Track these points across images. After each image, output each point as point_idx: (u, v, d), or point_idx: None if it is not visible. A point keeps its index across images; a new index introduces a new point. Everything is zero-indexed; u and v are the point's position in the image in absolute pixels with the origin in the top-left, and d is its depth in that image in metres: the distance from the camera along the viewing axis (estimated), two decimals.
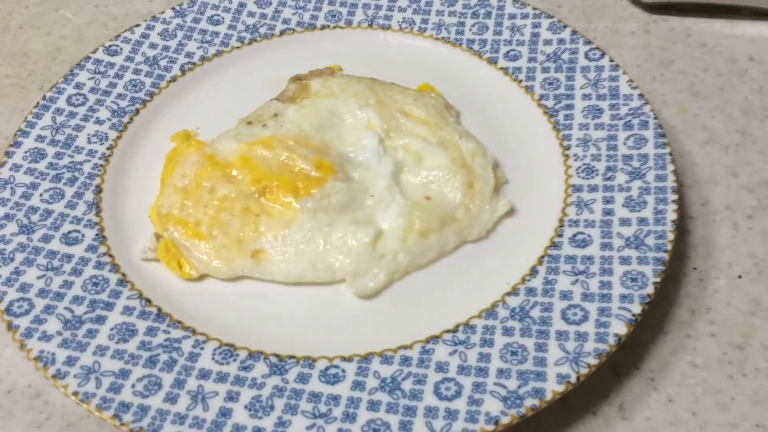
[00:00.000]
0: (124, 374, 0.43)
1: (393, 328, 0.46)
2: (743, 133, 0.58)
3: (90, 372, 0.43)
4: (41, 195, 0.52)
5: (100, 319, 0.45)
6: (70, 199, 0.52)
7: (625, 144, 0.53)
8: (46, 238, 0.50)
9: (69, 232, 0.50)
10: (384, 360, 0.43)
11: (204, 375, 0.43)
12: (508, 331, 0.44)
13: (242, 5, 0.65)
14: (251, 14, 0.64)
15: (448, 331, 0.45)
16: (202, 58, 0.62)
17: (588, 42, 0.60)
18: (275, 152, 0.53)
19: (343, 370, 0.43)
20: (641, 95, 0.56)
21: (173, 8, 0.65)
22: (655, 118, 0.54)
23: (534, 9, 0.63)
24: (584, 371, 0.41)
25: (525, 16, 0.62)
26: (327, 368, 0.43)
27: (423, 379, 0.42)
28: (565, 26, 0.61)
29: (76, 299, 0.46)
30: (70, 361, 0.43)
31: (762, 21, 0.66)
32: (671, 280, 0.49)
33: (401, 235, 0.49)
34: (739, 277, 0.50)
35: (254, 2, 0.65)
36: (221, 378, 0.43)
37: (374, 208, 0.51)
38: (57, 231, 0.50)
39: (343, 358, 0.44)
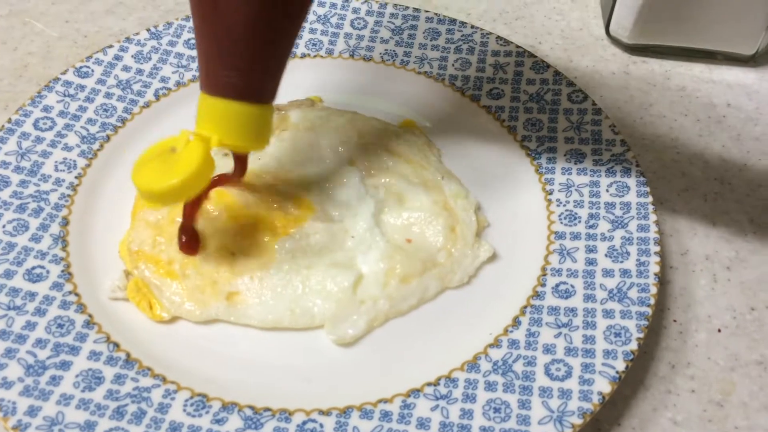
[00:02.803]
0: (90, 426, 0.40)
1: (373, 377, 0.45)
2: (721, 181, 0.58)
3: (53, 423, 0.40)
4: (4, 226, 0.49)
5: (65, 365, 0.43)
6: (34, 232, 0.49)
7: (607, 191, 0.53)
8: (8, 274, 0.47)
9: (33, 268, 0.48)
10: (363, 414, 0.42)
11: (175, 428, 0.41)
12: (490, 386, 0.43)
13: None
14: None
15: (429, 384, 0.44)
16: (178, 84, 0.60)
17: (570, 83, 0.59)
18: (252, 188, 0.52)
19: (321, 425, 0.42)
20: (623, 141, 0.56)
21: (148, 30, 0.62)
22: (637, 165, 0.54)
23: (517, 47, 0.62)
24: (568, 431, 0.41)
25: (508, 54, 0.62)
26: (304, 422, 0.42)
27: None
28: (548, 66, 0.61)
29: (40, 342, 0.44)
30: (32, 411, 0.41)
31: (738, 67, 0.66)
32: (652, 333, 0.49)
33: (382, 280, 0.48)
34: (719, 330, 0.50)
35: None
36: None
37: (354, 250, 0.50)
38: (20, 266, 0.47)
39: (321, 412, 0.42)
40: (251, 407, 0.42)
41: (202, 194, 0.51)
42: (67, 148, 0.55)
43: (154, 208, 0.44)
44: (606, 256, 0.49)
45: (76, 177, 0.53)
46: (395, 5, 0.65)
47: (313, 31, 0.63)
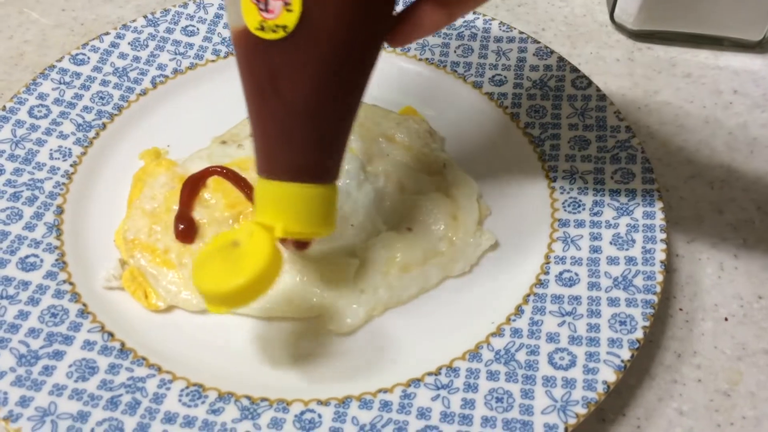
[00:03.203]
0: (83, 417, 0.40)
1: (372, 367, 0.44)
2: (728, 168, 0.57)
3: (45, 414, 0.39)
4: None
5: (58, 355, 0.42)
6: (28, 220, 0.49)
7: (612, 178, 0.52)
8: (1, 263, 0.46)
9: (26, 257, 0.47)
10: (363, 404, 0.41)
11: (170, 419, 0.40)
12: (493, 376, 0.42)
13: (218, 16, 0.62)
14: (227, 26, 0.62)
15: (430, 374, 0.43)
16: (175, 71, 0.59)
17: (575, 69, 0.58)
18: (251, 175, 0.51)
19: (320, 415, 0.41)
20: (628, 127, 0.54)
21: (145, 16, 0.61)
22: (643, 151, 0.53)
23: (520, 33, 0.61)
24: (572, 421, 0.40)
25: (511, 40, 0.61)
26: (302, 413, 0.41)
27: (404, 427, 0.40)
28: (551, 52, 0.60)
29: (33, 332, 0.43)
30: (24, 402, 0.40)
31: (745, 53, 0.65)
32: (658, 322, 0.48)
33: (382, 269, 0.47)
34: (726, 319, 0.48)
35: None
36: (188, 422, 0.40)
37: (354, 239, 0.49)
38: (13, 255, 0.47)
39: (320, 402, 0.41)
40: (248, 397, 0.42)
41: (199, 182, 0.50)
42: (63, 136, 0.54)
43: (218, 312, 0.39)
44: (611, 243, 0.48)
45: (71, 165, 0.52)
46: None
47: None
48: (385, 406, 0.41)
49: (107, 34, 0.60)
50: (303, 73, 0.36)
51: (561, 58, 0.59)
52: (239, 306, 0.40)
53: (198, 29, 0.61)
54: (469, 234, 0.50)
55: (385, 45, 0.60)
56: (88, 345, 0.43)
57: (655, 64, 0.65)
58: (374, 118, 0.55)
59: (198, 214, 0.49)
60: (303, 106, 0.37)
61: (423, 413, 0.41)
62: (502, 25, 0.61)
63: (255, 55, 0.37)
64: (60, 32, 0.66)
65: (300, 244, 0.46)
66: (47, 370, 0.41)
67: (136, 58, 0.59)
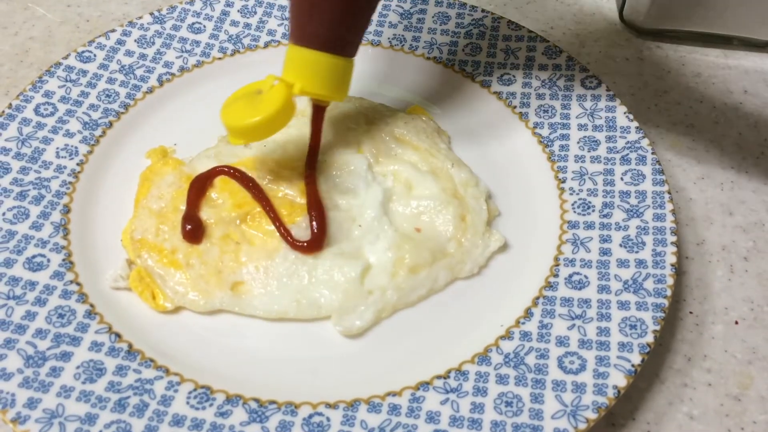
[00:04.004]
0: (91, 419, 0.39)
1: (380, 370, 0.44)
2: (738, 169, 0.57)
3: (53, 416, 0.39)
4: (4, 214, 0.48)
5: (66, 356, 0.42)
6: (35, 220, 0.48)
7: (622, 179, 0.51)
8: (7, 263, 0.46)
9: (33, 257, 0.47)
10: (371, 408, 0.41)
11: (178, 421, 0.40)
12: (502, 379, 0.42)
13: (225, 13, 0.62)
14: (234, 23, 0.61)
15: (439, 377, 0.42)
16: (182, 69, 0.58)
17: (584, 69, 0.58)
18: (258, 175, 0.51)
19: (328, 419, 0.41)
20: (638, 128, 0.54)
21: (151, 13, 0.61)
22: (653, 153, 0.52)
23: (529, 32, 0.61)
24: (582, 426, 0.40)
25: (520, 39, 0.60)
26: (310, 416, 0.41)
27: (412, 431, 0.40)
28: (560, 51, 0.59)
29: (40, 332, 0.43)
30: (31, 404, 0.40)
31: (755, 52, 0.65)
32: (668, 325, 0.48)
33: (390, 270, 0.47)
34: (736, 322, 0.48)
35: (238, 11, 0.62)
36: (196, 425, 0.40)
37: (362, 240, 0.48)
38: (20, 255, 0.46)
39: (328, 405, 0.41)
40: (256, 400, 0.41)
41: (206, 182, 0.50)
42: (69, 134, 0.53)
43: (238, 143, 0.47)
44: (621, 246, 0.48)
45: (77, 164, 0.52)
46: None
47: None
48: (394, 409, 0.41)
49: (113, 31, 0.60)
50: None
51: (570, 57, 0.59)
52: (254, 140, 0.47)
53: (205, 26, 0.61)
54: (478, 235, 0.49)
55: (394, 44, 0.59)
56: (96, 346, 0.43)
57: (665, 64, 0.64)
58: (382, 117, 0.55)
59: (205, 214, 0.49)
60: None
61: (432, 417, 0.40)
62: (510, 23, 0.61)
63: None
64: (66, 29, 0.65)
65: (311, 245, 0.46)
66: (55, 372, 0.41)
67: (143, 56, 0.59)
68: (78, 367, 0.42)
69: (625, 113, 0.55)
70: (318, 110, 0.50)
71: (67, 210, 0.49)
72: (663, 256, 0.47)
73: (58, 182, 0.51)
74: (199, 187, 0.50)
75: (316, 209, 0.48)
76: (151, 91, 0.57)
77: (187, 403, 0.41)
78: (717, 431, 0.43)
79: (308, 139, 0.53)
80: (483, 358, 0.43)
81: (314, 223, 0.47)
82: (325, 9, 0.44)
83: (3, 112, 0.54)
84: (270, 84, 0.45)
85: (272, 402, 0.41)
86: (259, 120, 0.44)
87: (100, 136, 0.54)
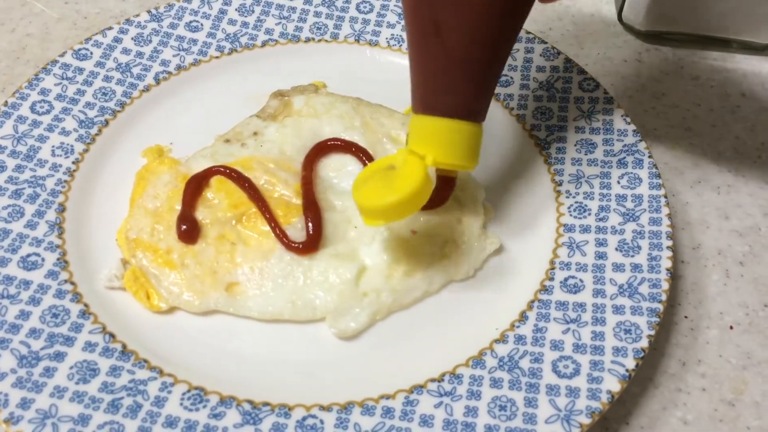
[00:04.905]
0: (84, 420, 0.39)
1: (374, 372, 0.44)
2: (735, 173, 0.57)
3: (46, 417, 0.39)
4: None
5: (59, 356, 0.42)
6: (30, 218, 0.48)
7: (618, 183, 0.51)
8: (2, 262, 0.46)
9: (28, 256, 0.46)
10: (365, 410, 0.41)
11: (171, 423, 0.40)
12: (496, 383, 0.42)
13: (223, 12, 0.62)
14: (232, 22, 0.61)
15: (433, 380, 0.42)
16: (179, 67, 0.58)
17: (582, 71, 0.58)
18: (254, 175, 0.51)
19: (322, 421, 0.40)
20: (636, 131, 0.54)
21: (149, 11, 0.61)
22: (650, 156, 0.52)
23: (527, 33, 0.60)
24: (576, 431, 0.40)
25: (518, 40, 0.60)
26: (304, 418, 0.41)
27: None
28: (558, 53, 0.59)
29: (34, 332, 0.43)
30: (24, 404, 0.40)
31: (754, 56, 0.64)
32: (662, 329, 0.48)
33: (385, 272, 0.47)
34: (731, 327, 0.48)
35: (236, 9, 0.62)
36: (190, 427, 0.40)
37: (357, 241, 0.48)
38: (14, 254, 0.46)
39: (322, 407, 0.41)
40: (250, 402, 0.41)
41: (202, 182, 0.50)
42: (65, 132, 0.53)
43: (374, 225, 0.43)
44: (617, 249, 0.48)
45: (73, 162, 0.52)
46: None
47: (317, 14, 0.62)
48: (388, 412, 0.41)
49: (110, 29, 0.59)
50: (464, 19, 0.40)
51: (568, 60, 0.58)
52: (391, 220, 0.44)
53: (202, 25, 0.61)
54: (474, 237, 0.49)
55: (392, 44, 0.59)
56: (90, 346, 0.43)
57: (663, 66, 0.64)
58: (379, 118, 0.55)
59: (201, 214, 0.49)
60: (463, 53, 0.42)
61: (426, 420, 0.40)
62: None
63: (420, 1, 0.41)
64: (63, 25, 0.65)
65: (306, 247, 0.46)
66: (48, 372, 0.41)
67: (140, 54, 0.58)
68: (72, 368, 0.42)
69: (622, 116, 0.55)
70: (446, 182, 0.46)
71: (62, 209, 0.49)
72: (658, 261, 0.47)
73: (53, 181, 0.50)
74: (195, 186, 0.49)
75: (312, 210, 0.48)
76: (147, 89, 0.57)
77: (181, 404, 0.41)
78: None
79: (305, 140, 0.53)
80: (477, 361, 0.43)
81: (310, 224, 0.47)
82: (455, 75, 0.42)
83: None
84: (402, 160, 0.43)
85: (266, 404, 0.41)
86: (398, 199, 0.41)
87: (96, 134, 0.54)
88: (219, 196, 0.50)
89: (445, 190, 0.47)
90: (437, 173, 0.45)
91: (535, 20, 0.67)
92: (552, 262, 0.48)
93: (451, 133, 0.43)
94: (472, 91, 0.43)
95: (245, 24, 0.61)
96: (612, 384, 0.41)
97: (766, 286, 0.50)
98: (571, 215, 0.50)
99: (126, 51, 0.58)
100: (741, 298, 0.50)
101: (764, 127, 0.60)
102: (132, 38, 0.59)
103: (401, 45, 0.60)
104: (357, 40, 0.61)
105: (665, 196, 0.50)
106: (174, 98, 0.57)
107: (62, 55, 0.57)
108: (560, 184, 0.52)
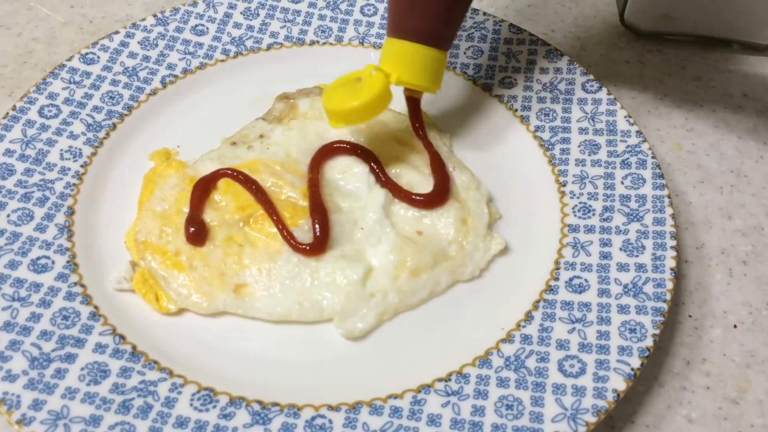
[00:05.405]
0: (95, 421, 0.40)
1: (382, 372, 0.44)
2: (738, 173, 0.57)
3: (58, 418, 0.40)
4: (8, 216, 0.49)
5: (70, 358, 0.42)
6: (39, 222, 0.49)
7: (622, 183, 0.52)
8: (12, 265, 0.46)
9: (38, 258, 0.47)
10: (373, 410, 0.41)
11: (182, 423, 0.40)
12: (503, 382, 0.42)
13: (228, 15, 0.62)
14: (237, 25, 0.62)
15: (440, 380, 0.43)
16: (185, 71, 0.59)
17: (585, 73, 0.58)
18: (261, 177, 0.51)
19: (330, 421, 0.41)
20: (639, 132, 0.54)
21: (155, 15, 0.61)
22: (653, 156, 0.53)
23: (530, 35, 0.61)
24: (582, 429, 0.40)
25: (521, 42, 0.61)
26: (313, 418, 0.41)
27: None
28: (561, 54, 0.59)
29: (45, 334, 0.43)
30: (36, 405, 0.40)
31: (756, 56, 0.65)
32: (667, 328, 0.48)
33: (392, 273, 0.47)
34: (735, 326, 0.49)
35: (241, 13, 0.62)
36: (200, 427, 0.40)
37: (364, 242, 0.49)
38: (25, 257, 0.47)
39: (330, 407, 0.42)
40: (259, 402, 0.42)
41: (209, 184, 0.50)
42: (73, 136, 0.54)
43: (337, 126, 0.50)
44: (621, 249, 0.48)
45: (81, 166, 0.52)
46: None
47: (322, 17, 0.62)
48: (396, 412, 0.41)
49: (117, 33, 0.60)
50: None
51: (571, 61, 0.59)
52: (352, 123, 0.50)
53: (207, 28, 0.61)
54: (479, 238, 0.50)
55: None
56: (100, 348, 0.43)
57: (665, 67, 0.65)
58: (384, 120, 0.55)
59: (208, 216, 0.49)
60: None
61: (433, 420, 0.41)
62: (512, 27, 0.61)
63: None
64: (69, 30, 0.66)
65: (313, 248, 0.47)
66: (59, 373, 0.42)
67: (146, 58, 0.59)
68: (82, 369, 0.42)
69: (625, 117, 0.55)
70: (412, 102, 0.52)
71: (71, 212, 0.50)
72: (662, 260, 0.47)
73: (62, 184, 0.51)
74: (203, 189, 0.50)
75: (319, 212, 0.48)
76: (154, 93, 0.57)
77: (191, 404, 0.41)
78: None
79: (311, 143, 0.53)
80: (484, 361, 0.44)
81: (317, 225, 0.48)
82: (426, 4, 0.47)
83: (7, 114, 0.54)
84: (369, 73, 0.48)
85: (275, 404, 0.42)
86: (358, 104, 0.47)
87: (104, 138, 0.54)
88: (226, 198, 0.50)
89: (414, 112, 0.52)
90: (405, 94, 0.51)
91: (538, 22, 0.68)
92: (557, 263, 0.48)
93: (417, 56, 0.48)
94: (439, 19, 0.48)
95: (250, 27, 0.61)
96: (618, 383, 0.42)
97: None
98: (575, 215, 0.50)
99: (133, 55, 0.59)
100: (744, 297, 0.50)
101: (766, 127, 0.60)
102: (138, 42, 0.60)
103: None
104: (361, 43, 0.61)
105: (669, 197, 0.50)
106: (180, 101, 0.57)
107: (69, 59, 0.58)
108: (564, 185, 0.52)
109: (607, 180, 0.52)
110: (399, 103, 0.57)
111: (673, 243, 0.48)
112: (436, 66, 0.49)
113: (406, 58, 0.48)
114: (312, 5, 0.63)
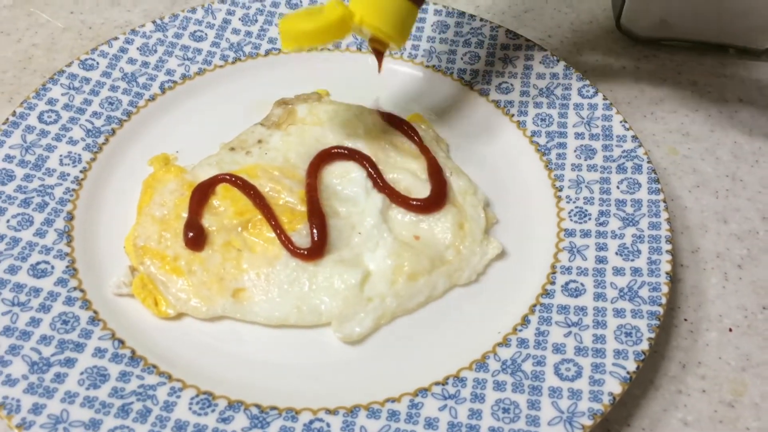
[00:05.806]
0: (95, 425, 0.40)
1: (380, 376, 0.44)
2: (733, 178, 0.58)
3: (58, 422, 0.40)
4: (8, 221, 0.49)
5: (70, 362, 0.43)
6: (39, 227, 0.49)
7: (618, 188, 0.52)
8: (12, 270, 0.47)
9: (37, 263, 0.47)
10: (371, 414, 0.42)
11: (180, 427, 0.41)
12: (499, 386, 0.43)
13: (227, 22, 0.62)
14: (236, 31, 0.62)
15: (437, 384, 0.43)
16: (183, 77, 0.59)
17: (581, 78, 0.59)
18: (259, 183, 0.51)
19: (328, 424, 0.41)
20: (635, 137, 0.55)
21: (154, 21, 0.62)
22: (649, 161, 0.53)
23: (527, 40, 0.61)
24: None
25: (517, 48, 0.61)
26: (311, 422, 0.41)
27: None
28: (558, 60, 0.60)
29: (44, 338, 0.44)
30: (36, 409, 0.40)
31: (751, 61, 0.65)
32: (662, 332, 0.48)
33: (390, 278, 0.48)
34: (730, 330, 0.49)
35: (239, 19, 0.63)
36: (199, 431, 0.40)
37: (361, 247, 0.49)
38: (24, 262, 0.47)
39: (328, 411, 0.42)
40: (257, 406, 0.42)
41: (208, 190, 0.50)
42: (72, 141, 0.54)
43: (288, 47, 0.48)
44: (617, 254, 0.48)
45: (81, 171, 0.53)
46: None
47: None
48: (393, 415, 0.42)
49: (116, 39, 0.60)
50: None
51: (567, 66, 0.59)
52: (303, 44, 0.48)
53: (206, 34, 0.61)
54: (476, 243, 0.50)
55: (393, 52, 0.60)
56: (99, 352, 0.43)
57: (661, 72, 0.65)
58: (381, 125, 0.56)
59: (207, 221, 0.49)
60: None
61: (430, 423, 0.41)
62: (508, 32, 0.62)
63: None
64: (68, 36, 0.66)
65: (311, 253, 0.47)
66: (59, 378, 0.42)
67: (145, 64, 0.59)
68: (82, 373, 0.42)
69: (621, 122, 0.56)
70: (377, 54, 0.51)
71: (70, 217, 0.50)
72: (658, 264, 0.47)
73: (61, 189, 0.51)
74: (201, 194, 0.50)
75: (317, 217, 0.49)
76: (153, 98, 0.58)
77: (190, 408, 0.41)
78: None
79: (309, 148, 0.54)
80: (480, 364, 0.44)
81: (314, 230, 0.48)
82: None
83: (7, 119, 0.54)
84: (334, 6, 0.47)
85: (273, 408, 0.42)
86: (311, 27, 0.46)
87: (103, 143, 0.55)
88: (225, 203, 0.50)
89: (379, 64, 0.52)
90: (370, 45, 0.51)
91: (534, 28, 0.68)
92: (553, 267, 0.49)
93: (385, 1, 0.46)
94: None
95: (249, 33, 0.62)
96: (613, 386, 0.42)
97: (764, 289, 0.51)
98: (571, 220, 0.51)
99: (132, 61, 0.59)
100: (740, 301, 0.50)
101: (762, 131, 0.61)
102: (137, 48, 0.60)
103: (403, 53, 0.61)
104: (359, 49, 0.62)
105: (664, 201, 0.51)
106: (179, 107, 0.58)
107: (69, 65, 0.58)
108: (561, 190, 0.53)
109: (603, 185, 0.52)
110: (395, 107, 0.58)
111: (669, 247, 0.48)
112: (403, 16, 0.47)
113: (374, 1, 0.47)
114: None
